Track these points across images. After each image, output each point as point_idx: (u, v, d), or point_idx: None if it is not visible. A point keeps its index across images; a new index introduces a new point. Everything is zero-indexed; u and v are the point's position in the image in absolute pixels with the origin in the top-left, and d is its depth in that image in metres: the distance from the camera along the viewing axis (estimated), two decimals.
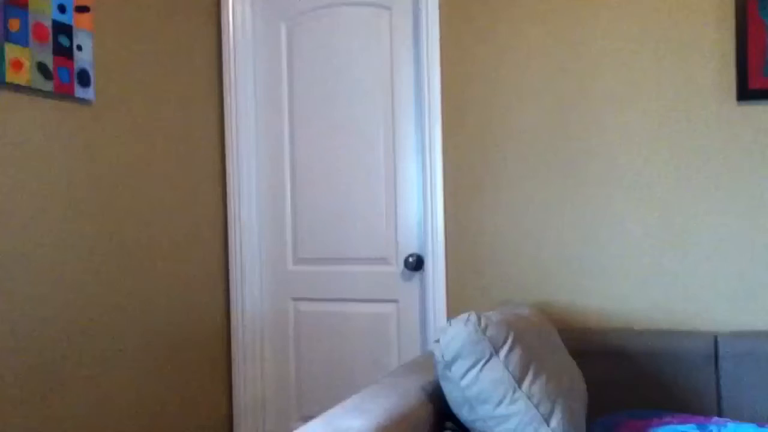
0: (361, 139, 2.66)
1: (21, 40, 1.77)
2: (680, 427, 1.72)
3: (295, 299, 2.75)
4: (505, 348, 1.48)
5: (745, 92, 2.02)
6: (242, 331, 2.63)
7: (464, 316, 1.49)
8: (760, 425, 1.72)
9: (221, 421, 2.58)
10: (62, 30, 1.89)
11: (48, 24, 1.85)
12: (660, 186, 2.13)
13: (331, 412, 1.40)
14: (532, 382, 1.48)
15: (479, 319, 1.48)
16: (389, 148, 2.61)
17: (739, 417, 1.83)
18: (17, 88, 1.78)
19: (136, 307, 2.18)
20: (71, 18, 1.92)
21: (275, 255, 2.75)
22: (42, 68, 1.82)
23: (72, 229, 1.96)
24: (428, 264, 2.41)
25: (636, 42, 2.15)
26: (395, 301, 2.59)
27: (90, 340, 2.01)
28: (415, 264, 2.49)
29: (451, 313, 2.35)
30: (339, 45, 2.84)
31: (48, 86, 1.85)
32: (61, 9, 1.89)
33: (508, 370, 1.46)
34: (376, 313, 2.61)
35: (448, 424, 1.56)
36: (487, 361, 1.45)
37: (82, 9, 1.95)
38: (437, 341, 1.49)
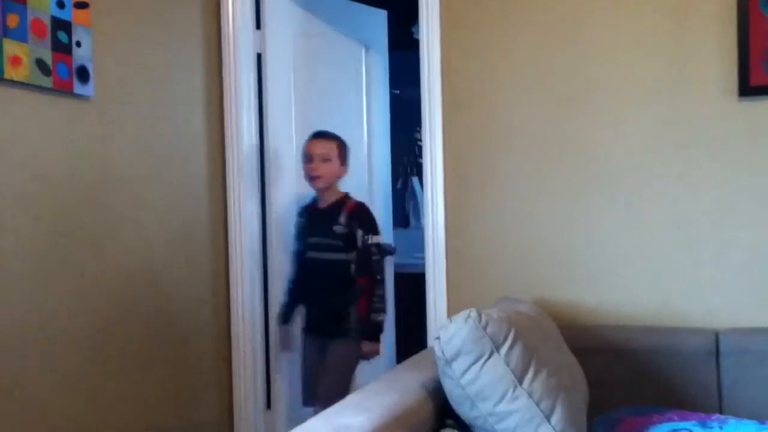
0: (358, 138, 2.67)
1: (20, 35, 1.76)
2: (681, 424, 1.72)
3: None
4: (506, 345, 1.47)
5: (747, 88, 2.01)
6: (243, 330, 2.61)
7: (465, 312, 1.48)
8: (761, 422, 1.71)
9: (221, 420, 2.58)
10: (61, 26, 1.88)
11: (47, 20, 1.84)
12: (661, 182, 2.13)
13: (331, 409, 1.40)
14: (533, 379, 1.47)
15: (480, 315, 1.47)
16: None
17: (740, 413, 1.83)
18: (16, 84, 1.77)
19: (135, 305, 2.18)
20: (70, 14, 1.91)
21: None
22: (41, 64, 1.82)
23: (70, 226, 1.95)
24: (429, 262, 2.41)
25: (637, 38, 2.14)
26: None
27: (89, 340, 2.00)
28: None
29: (452, 310, 2.34)
30: (340, 47, 2.87)
31: (47, 82, 1.84)
32: (60, 5, 1.88)
33: (509, 367, 1.45)
34: None
35: (449, 421, 1.56)
36: (488, 358, 1.45)
37: (80, 5, 1.94)
38: (438, 338, 1.49)
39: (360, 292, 2.49)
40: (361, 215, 2.53)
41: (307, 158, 2.52)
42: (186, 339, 2.40)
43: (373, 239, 2.48)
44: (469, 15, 2.33)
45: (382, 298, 2.46)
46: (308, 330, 2.66)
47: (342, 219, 2.51)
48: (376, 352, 2.52)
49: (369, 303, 2.46)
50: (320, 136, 2.54)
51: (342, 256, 2.51)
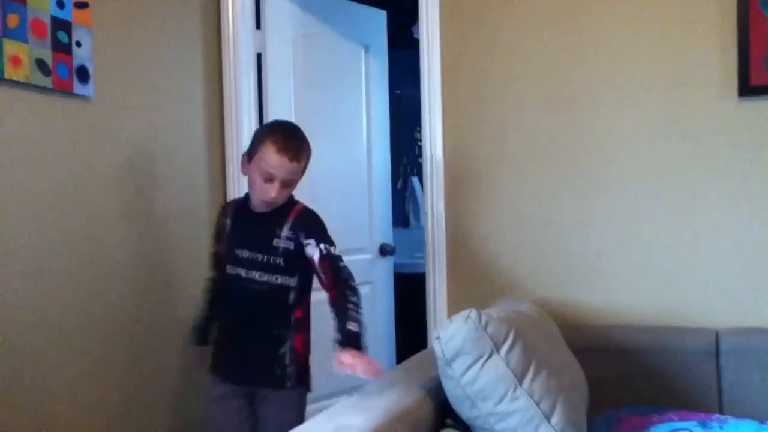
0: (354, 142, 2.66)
1: (19, 35, 1.76)
2: (681, 424, 1.72)
3: None
4: (506, 345, 1.47)
5: (747, 88, 2.01)
6: None
7: (465, 312, 1.48)
8: (761, 422, 1.71)
9: None
10: (61, 26, 1.88)
11: (47, 20, 1.84)
12: (660, 182, 2.13)
13: (332, 409, 1.40)
14: (533, 378, 1.47)
15: (480, 316, 1.47)
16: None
17: (740, 413, 1.83)
18: (16, 84, 1.77)
19: (136, 304, 2.18)
20: (70, 14, 1.91)
21: None
22: (41, 64, 1.81)
23: (70, 225, 1.95)
24: (429, 262, 2.41)
25: (636, 37, 2.14)
26: (370, 282, 2.98)
27: (86, 339, 2.00)
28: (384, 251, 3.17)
29: (452, 310, 2.34)
30: (339, 47, 2.87)
31: (47, 82, 1.84)
32: (60, 5, 1.88)
33: (509, 367, 1.45)
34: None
35: (449, 421, 1.56)
36: (488, 358, 1.45)
37: (80, 5, 1.94)
38: (438, 338, 1.49)
39: (297, 325, 1.90)
40: (309, 222, 1.88)
41: (264, 175, 1.80)
42: (185, 336, 2.39)
43: (330, 250, 1.83)
44: (469, 15, 2.33)
45: (359, 307, 1.78)
46: (226, 374, 1.95)
47: (285, 230, 1.86)
48: (368, 364, 1.60)
49: (303, 336, 1.91)
50: (291, 150, 1.81)
51: (282, 279, 1.87)
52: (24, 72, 1.77)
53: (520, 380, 1.45)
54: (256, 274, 1.88)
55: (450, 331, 1.46)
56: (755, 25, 1.99)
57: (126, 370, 2.14)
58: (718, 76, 2.05)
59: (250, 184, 1.88)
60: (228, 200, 2.10)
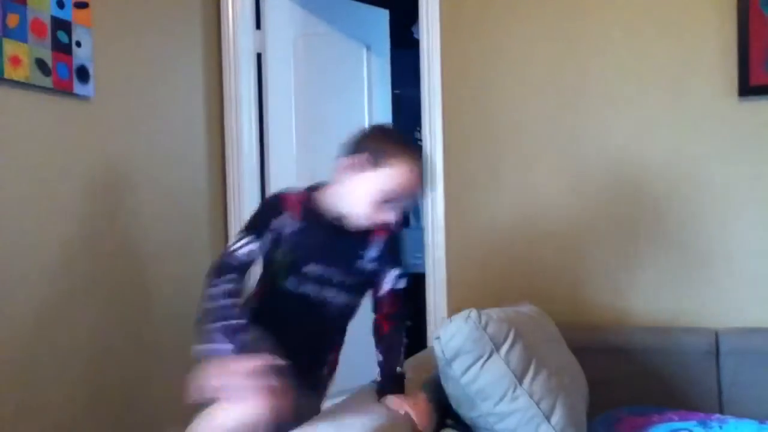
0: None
1: (19, 35, 1.76)
2: (681, 424, 1.71)
3: None
4: (506, 345, 1.47)
5: (747, 88, 2.01)
6: None
7: (465, 312, 1.48)
8: (761, 422, 1.71)
9: None
10: (61, 26, 1.88)
11: (47, 20, 1.84)
12: (660, 182, 2.12)
13: (332, 409, 1.40)
14: (534, 378, 1.47)
15: (480, 315, 1.47)
16: None
17: (740, 413, 1.83)
18: (16, 84, 1.77)
19: (134, 304, 2.18)
20: (70, 14, 1.91)
21: None
22: (41, 64, 1.82)
23: (69, 225, 1.95)
24: (429, 262, 2.41)
25: (636, 37, 2.14)
26: None
27: (83, 338, 2.00)
28: None
29: (452, 310, 2.34)
30: (341, 47, 2.86)
31: (47, 82, 1.84)
32: (60, 5, 1.88)
33: (509, 367, 1.45)
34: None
35: (449, 421, 1.56)
36: (488, 358, 1.45)
37: (80, 5, 1.95)
38: (438, 338, 1.49)
39: (341, 339, 1.70)
40: (400, 248, 1.64)
41: (388, 196, 1.49)
42: (186, 343, 2.39)
43: (403, 282, 1.61)
44: (469, 15, 2.33)
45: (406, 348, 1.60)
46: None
47: (374, 250, 1.58)
48: (427, 412, 1.46)
49: (339, 348, 1.70)
50: (422, 174, 1.54)
51: (356, 301, 1.63)
52: (24, 72, 1.77)
53: (520, 380, 1.45)
54: (329, 296, 1.57)
55: (450, 331, 1.46)
56: (755, 25, 1.99)
57: (128, 371, 2.14)
58: (718, 76, 2.05)
59: (353, 195, 1.51)
60: (277, 194, 1.66)
